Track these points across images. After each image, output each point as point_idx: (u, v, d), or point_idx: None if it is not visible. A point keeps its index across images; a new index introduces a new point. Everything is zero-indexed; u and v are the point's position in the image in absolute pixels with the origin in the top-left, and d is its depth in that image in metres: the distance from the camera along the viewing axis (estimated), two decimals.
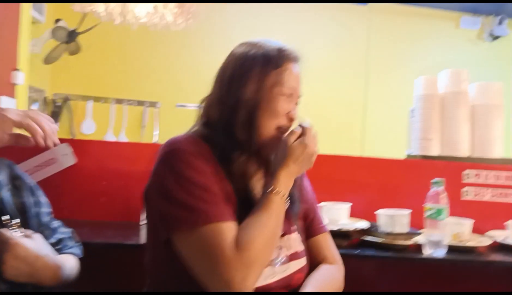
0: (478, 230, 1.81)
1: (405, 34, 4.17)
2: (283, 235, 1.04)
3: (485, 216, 1.87)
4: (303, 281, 1.06)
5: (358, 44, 4.13)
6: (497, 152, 2.02)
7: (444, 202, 1.46)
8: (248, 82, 1.00)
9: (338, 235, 1.45)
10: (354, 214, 1.70)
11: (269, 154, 1.06)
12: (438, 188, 1.47)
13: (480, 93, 2.06)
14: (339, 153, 1.88)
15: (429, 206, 1.47)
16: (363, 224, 1.60)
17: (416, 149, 2.04)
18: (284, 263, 1.03)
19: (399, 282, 1.74)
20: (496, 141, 2.02)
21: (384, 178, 1.86)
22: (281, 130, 1.03)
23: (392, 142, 3.18)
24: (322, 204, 1.62)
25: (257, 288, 0.93)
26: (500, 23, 4.07)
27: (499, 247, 1.72)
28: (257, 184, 1.08)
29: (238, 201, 0.99)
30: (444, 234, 1.47)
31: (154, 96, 3.73)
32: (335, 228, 1.49)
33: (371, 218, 1.64)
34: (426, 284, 1.75)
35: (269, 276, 0.98)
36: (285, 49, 1.05)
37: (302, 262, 1.08)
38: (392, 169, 1.91)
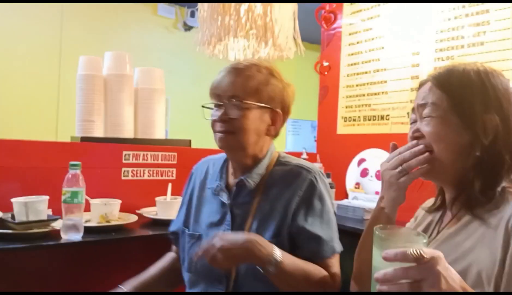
0: (137, 206, 1.90)
1: (100, 17, 4.09)
2: None
3: (144, 193, 1.99)
4: None
5: (51, 29, 3.84)
6: (158, 133, 2.17)
7: (80, 185, 1.44)
8: None
9: None
10: None
11: None
12: (74, 171, 1.44)
13: (143, 77, 2.16)
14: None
15: (65, 190, 1.42)
16: None
17: (79, 131, 1.99)
18: None
19: (49, 271, 1.66)
20: (157, 123, 2.17)
21: (28, 162, 1.73)
22: None
23: None
24: None
25: None
26: (192, 15, 4.46)
27: (152, 222, 1.85)
28: None
29: None
30: (80, 217, 1.45)
31: None
32: None
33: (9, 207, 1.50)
34: (77, 268, 1.72)
35: None
36: None
37: None
38: (43, 152, 1.78)
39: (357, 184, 2.29)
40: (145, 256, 1.86)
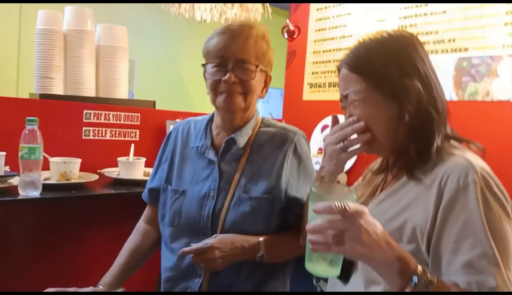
0: (98, 166, 1.88)
1: None
2: None
3: (106, 153, 1.96)
4: None
5: None
6: (121, 93, 2.13)
7: (38, 141, 1.41)
8: None
9: None
10: None
11: None
12: (31, 127, 1.40)
13: (105, 34, 2.09)
14: None
15: (22, 146, 1.39)
16: None
17: (38, 87, 1.92)
18: None
19: (7, 228, 1.64)
20: (120, 82, 2.12)
21: None
22: None
23: None
24: None
25: None
26: None
27: (113, 182, 1.84)
28: None
29: None
30: (38, 174, 1.42)
31: None
32: None
33: None
34: (36, 226, 1.71)
35: None
36: None
37: None
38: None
39: (320, 149, 2.33)
40: (106, 215, 1.87)
